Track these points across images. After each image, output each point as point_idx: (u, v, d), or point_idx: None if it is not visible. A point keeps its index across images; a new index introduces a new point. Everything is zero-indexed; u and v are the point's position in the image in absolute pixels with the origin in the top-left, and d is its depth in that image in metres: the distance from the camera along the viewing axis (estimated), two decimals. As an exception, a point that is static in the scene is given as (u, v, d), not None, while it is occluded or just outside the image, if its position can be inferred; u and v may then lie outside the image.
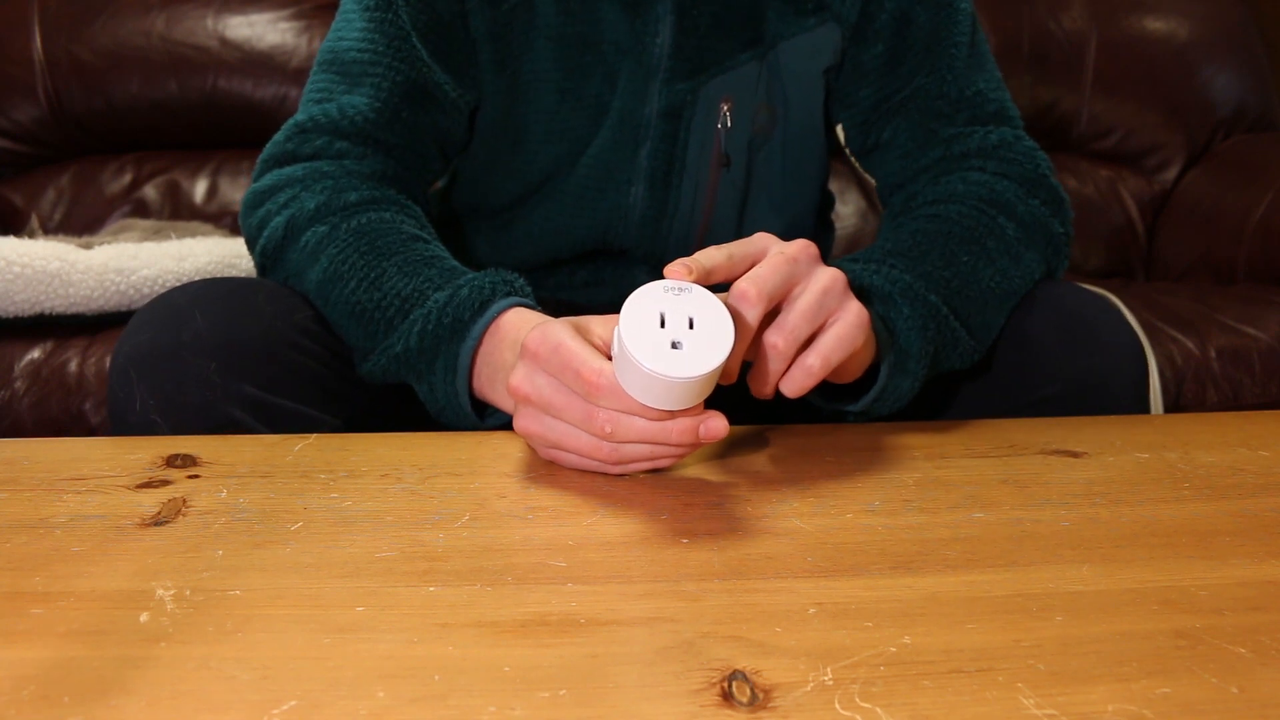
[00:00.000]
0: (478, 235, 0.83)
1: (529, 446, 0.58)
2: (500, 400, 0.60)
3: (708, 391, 0.49)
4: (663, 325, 0.48)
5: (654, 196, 0.78)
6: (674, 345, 0.47)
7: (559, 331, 0.51)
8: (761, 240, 0.54)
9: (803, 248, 0.53)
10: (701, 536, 0.46)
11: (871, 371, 0.61)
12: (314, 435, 0.60)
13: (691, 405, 0.49)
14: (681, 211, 0.79)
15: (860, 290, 0.60)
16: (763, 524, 0.48)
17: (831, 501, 0.51)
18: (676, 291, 0.49)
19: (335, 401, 0.66)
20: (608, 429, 0.50)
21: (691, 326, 0.48)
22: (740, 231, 0.82)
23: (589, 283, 0.82)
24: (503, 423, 0.61)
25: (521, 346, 0.53)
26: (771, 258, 0.52)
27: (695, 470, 0.55)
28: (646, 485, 0.53)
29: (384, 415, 0.70)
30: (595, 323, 0.54)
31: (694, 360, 0.47)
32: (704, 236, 0.81)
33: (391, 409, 0.70)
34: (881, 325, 0.59)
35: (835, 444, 0.59)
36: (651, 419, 0.50)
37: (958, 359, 0.63)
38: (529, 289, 0.64)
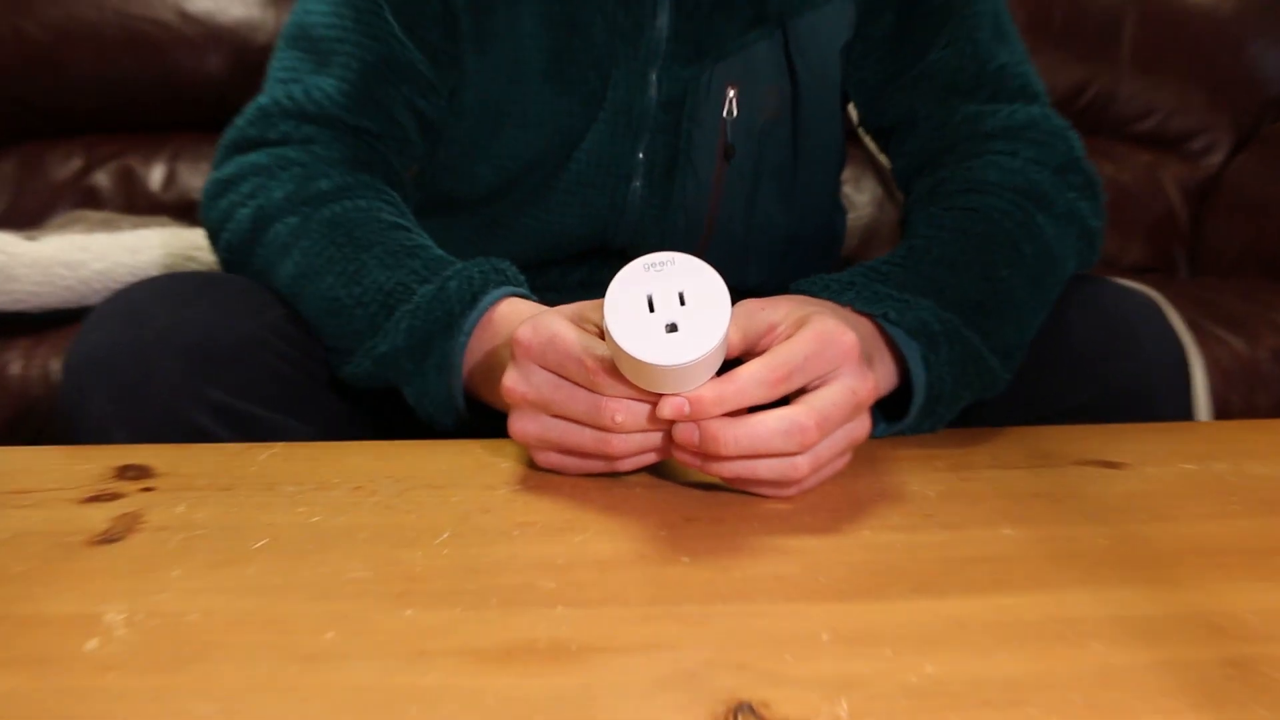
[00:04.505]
0: (459, 231, 0.83)
1: (516, 456, 0.58)
2: (495, 397, 0.60)
3: (719, 363, 0.50)
4: (652, 308, 0.48)
5: (654, 192, 0.78)
6: (669, 328, 0.47)
7: (552, 322, 0.52)
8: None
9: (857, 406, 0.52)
10: (704, 555, 0.46)
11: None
12: (280, 444, 0.60)
13: (711, 375, 0.49)
14: (685, 206, 0.79)
15: (905, 325, 0.59)
16: (771, 542, 0.48)
17: (847, 517, 0.50)
18: (659, 268, 0.49)
19: (310, 408, 0.66)
20: (618, 418, 0.50)
21: (683, 302, 0.48)
22: (749, 225, 0.82)
23: (585, 284, 0.82)
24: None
25: (512, 343, 0.53)
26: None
27: (698, 483, 0.55)
28: (645, 500, 0.52)
29: (363, 423, 0.70)
30: (590, 308, 0.54)
31: (695, 339, 0.47)
32: (710, 232, 0.81)
33: (372, 415, 0.70)
34: (921, 366, 0.59)
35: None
36: (655, 400, 0.50)
37: (986, 392, 0.63)
38: (522, 277, 0.64)
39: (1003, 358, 0.62)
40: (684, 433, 0.50)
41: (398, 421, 0.66)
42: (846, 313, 0.59)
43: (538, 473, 0.55)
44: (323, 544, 0.47)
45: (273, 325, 0.65)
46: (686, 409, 0.49)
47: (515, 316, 0.60)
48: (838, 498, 0.53)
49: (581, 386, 0.51)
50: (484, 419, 0.63)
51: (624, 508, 0.51)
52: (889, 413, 0.62)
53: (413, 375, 0.62)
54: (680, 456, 0.52)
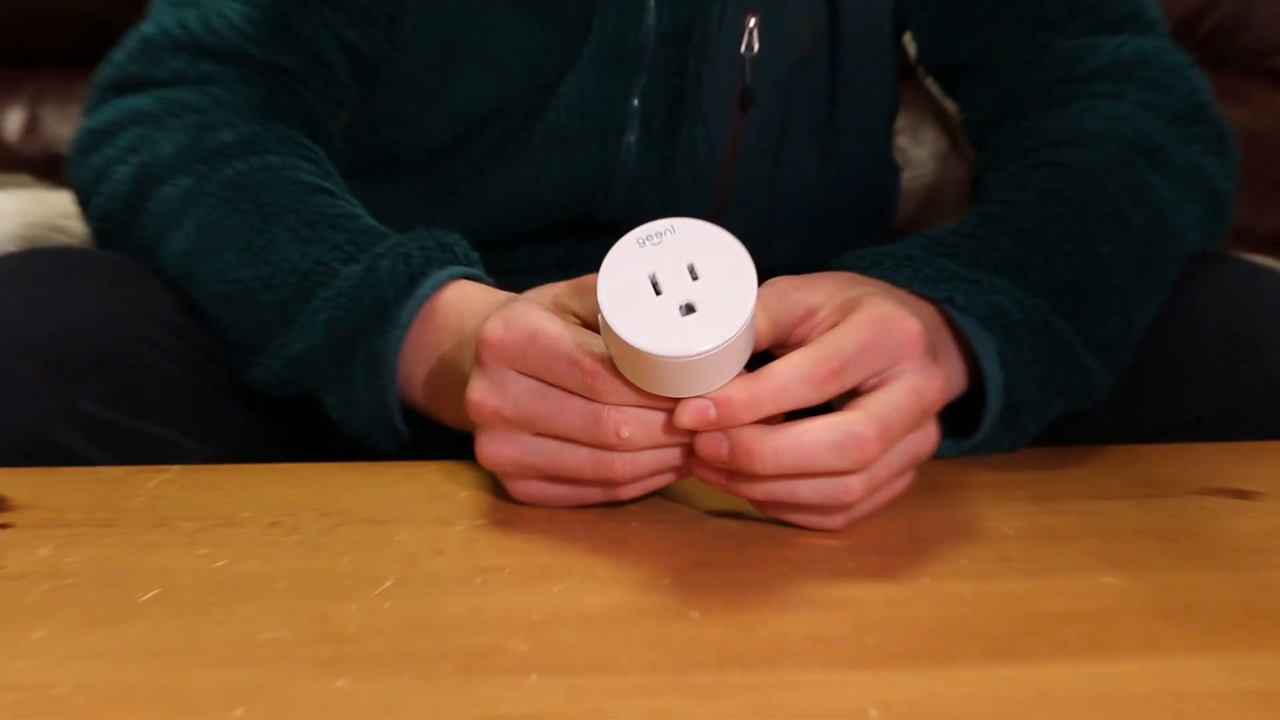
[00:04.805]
0: (403, 198, 0.83)
1: (479, 482, 0.58)
2: (445, 411, 0.61)
3: (747, 354, 0.50)
4: (658, 290, 0.48)
5: (653, 148, 0.78)
6: (683, 310, 0.48)
7: (529, 314, 0.52)
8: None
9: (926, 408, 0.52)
10: (719, 609, 0.46)
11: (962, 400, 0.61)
12: (174, 468, 0.60)
13: (736, 375, 0.50)
14: (692, 167, 0.79)
15: (976, 312, 0.60)
16: (805, 591, 0.48)
17: (902, 560, 0.51)
18: (657, 239, 0.49)
19: (208, 421, 0.66)
20: (625, 432, 0.50)
21: (695, 276, 0.49)
22: (775, 190, 0.82)
23: (564, 265, 0.82)
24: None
25: (479, 344, 0.52)
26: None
27: (713, 513, 0.55)
28: (644, 538, 0.53)
29: (280, 441, 0.70)
30: (568, 292, 0.54)
31: (716, 319, 0.48)
32: (725, 199, 0.81)
33: (292, 431, 0.70)
34: (996, 365, 0.59)
35: (907, 480, 0.59)
36: (670, 407, 0.50)
37: (1082, 401, 0.64)
38: (475, 255, 0.64)
39: (1103, 356, 0.62)
40: (710, 444, 0.50)
41: (325, 439, 0.66)
42: (904, 295, 0.59)
43: (507, 504, 0.56)
44: (230, 595, 0.47)
45: (160, 316, 0.66)
46: (712, 413, 0.49)
47: (466, 305, 0.61)
48: (890, 535, 0.53)
49: (575, 394, 0.51)
50: (431, 436, 0.63)
51: (617, 548, 0.51)
52: (956, 426, 0.62)
53: (335, 381, 0.62)
54: (703, 475, 0.52)
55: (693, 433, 0.50)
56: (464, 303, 0.61)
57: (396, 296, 0.61)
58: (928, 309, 0.60)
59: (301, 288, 0.63)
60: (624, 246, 0.49)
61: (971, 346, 0.59)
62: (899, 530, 0.53)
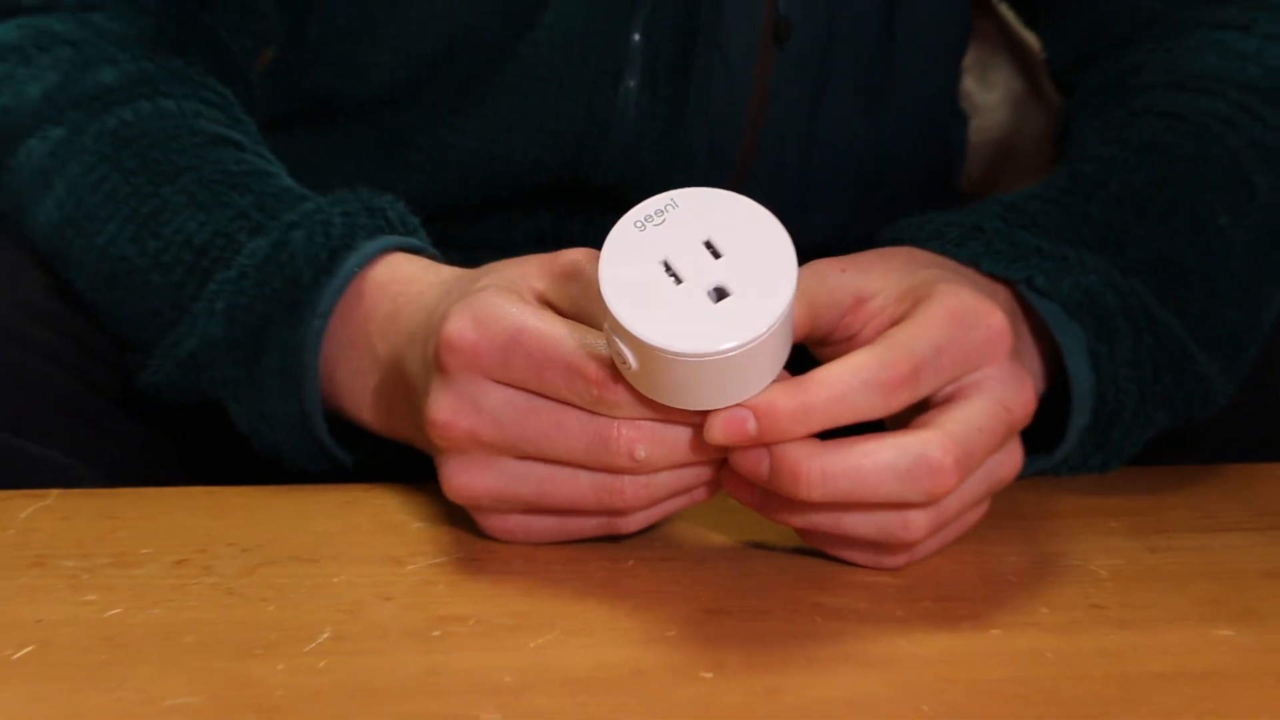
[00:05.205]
0: (343, 155, 0.83)
1: (437, 513, 0.58)
2: (384, 422, 0.61)
3: (787, 350, 0.50)
4: (674, 275, 0.48)
5: (658, 95, 0.78)
6: (716, 294, 0.48)
7: (506, 308, 0.51)
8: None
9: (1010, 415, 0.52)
10: (737, 668, 0.46)
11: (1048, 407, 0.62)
12: (54, 492, 0.60)
13: (779, 371, 0.50)
14: (709, 119, 0.79)
15: (1061, 297, 0.60)
16: (842, 646, 0.48)
17: (967, 608, 0.51)
18: (658, 218, 0.49)
19: (93, 435, 0.66)
20: (640, 453, 0.50)
21: (717, 254, 0.48)
22: (813, 147, 0.83)
23: (544, 240, 0.82)
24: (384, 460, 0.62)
25: (440, 348, 0.52)
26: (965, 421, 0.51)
27: (729, 550, 0.55)
28: (644, 580, 0.53)
29: (182, 459, 0.70)
30: (540, 276, 0.54)
31: (757, 299, 0.47)
32: (748, 159, 0.81)
33: (196, 447, 0.71)
34: (1086, 363, 0.60)
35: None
36: (696, 420, 0.50)
37: (1195, 410, 0.64)
38: (413, 220, 0.64)
39: (1220, 356, 0.63)
40: (748, 460, 0.50)
41: (243, 457, 0.66)
42: (975, 276, 0.59)
43: (474, 538, 0.56)
44: (125, 652, 0.47)
45: (29, 303, 0.66)
46: (751, 426, 0.48)
47: (403, 287, 0.60)
48: (952, 576, 0.53)
49: (572, 407, 0.51)
50: (374, 452, 0.63)
51: (610, 593, 0.52)
52: (1033, 438, 0.62)
53: (241, 386, 0.62)
54: (734, 490, 0.52)
55: (722, 449, 0.50)
56: (399, 283, 0.61)
57: (314, 276, 0.60)
58: (1002, 293, 0.60)
59: (197, 266, 0.62)
60: (620, 233, 0.49)
61: (1054, 340, 0.60)
62: (963, 570, 0.54)
